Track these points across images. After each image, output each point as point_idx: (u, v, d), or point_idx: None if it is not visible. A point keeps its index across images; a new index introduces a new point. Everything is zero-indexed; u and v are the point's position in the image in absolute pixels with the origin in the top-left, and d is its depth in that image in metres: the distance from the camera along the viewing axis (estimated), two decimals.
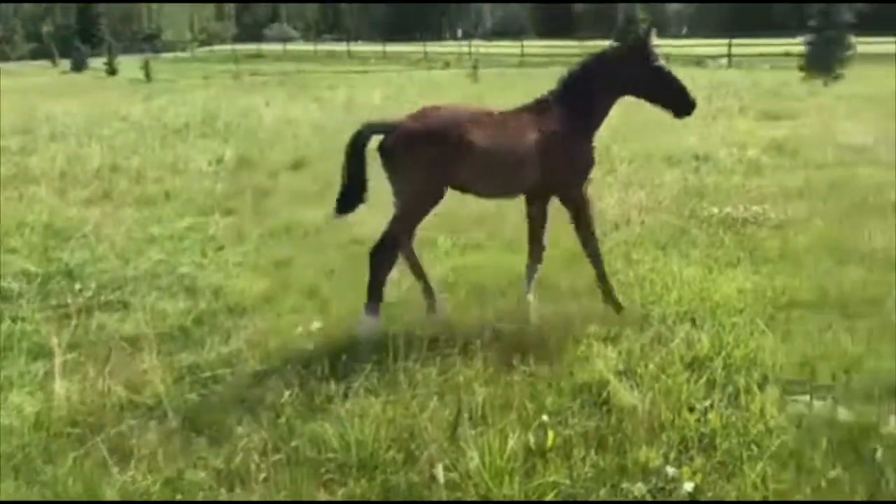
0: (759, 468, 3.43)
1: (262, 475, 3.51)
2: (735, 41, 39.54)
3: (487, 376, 4.30)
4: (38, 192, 9.56)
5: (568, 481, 3.43)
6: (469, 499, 3.37)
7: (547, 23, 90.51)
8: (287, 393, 4.16)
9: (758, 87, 22.60)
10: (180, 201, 9.38)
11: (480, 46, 54.88)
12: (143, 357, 4.63)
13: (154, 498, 3.41)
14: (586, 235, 5.30)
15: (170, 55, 66.38)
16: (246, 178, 10.55)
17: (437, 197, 5.04)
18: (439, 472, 3.44)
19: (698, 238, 7.06)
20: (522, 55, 48.63)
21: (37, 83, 36.43)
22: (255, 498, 3.40)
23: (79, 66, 49.82)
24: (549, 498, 3.35)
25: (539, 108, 5.20)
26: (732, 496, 3.35)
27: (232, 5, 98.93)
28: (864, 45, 31.06)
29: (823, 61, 26.77)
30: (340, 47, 66.32)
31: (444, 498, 3.36)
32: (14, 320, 5.46)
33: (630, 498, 3.35)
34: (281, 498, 3.40)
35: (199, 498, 3.42)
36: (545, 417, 3.80)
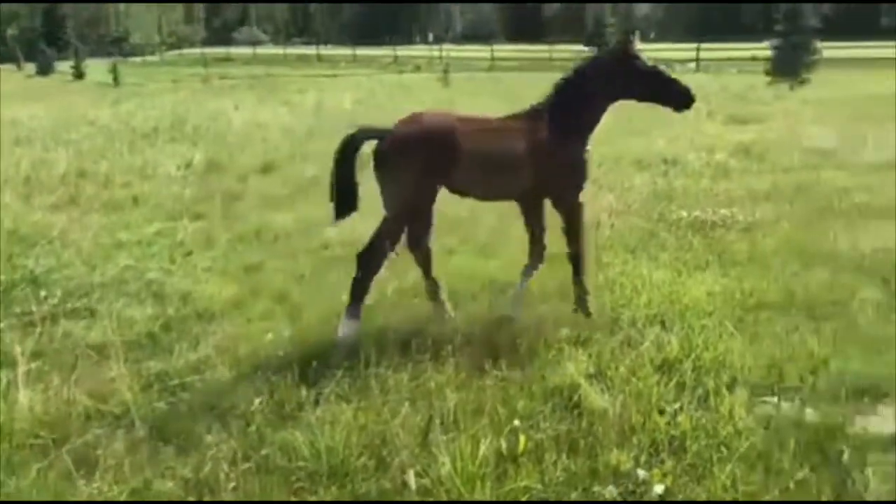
0: (728, 470, 3.46)
1: (232, 484, 3.46)
2: (703, 45, 40.01)
3: (459, 381, 4.29)
4: (1, 198, 9.38)
5: (540, 486, 3.43)
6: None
7: (517, 27, 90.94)
8: (257, 400, 4.12)
9: (725, 91, 22.88)
10: (148, 206, 9.28)
11: (451, 50, 55.01)
12: (109, 365, 4.56)
13: None
14: (574, 241, 5.32)
15: (138, 59, 65.70)
16: (215, 183, 10.45)
17: (429, 201, 5.07)
18: (411, 478, 3.43)
19: (667, 241, 7.11)
20: (493, 59, 48.79)
21: (1, 87, 35.82)
22: None
23: (45, 70, 49.11)
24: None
25: (532, 114, 5.22)
26: (703, 498, 3.37)
27: (201, 8, 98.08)
28: (829, 49, 31.57)
29: (790, 65, 27.19)
30: (310, 51, 66.04)
31: None
32: None
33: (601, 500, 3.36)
34: None
35: None
36: (517, 422, 3.79)
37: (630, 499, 3.38)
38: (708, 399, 4.11)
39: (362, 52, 59.85)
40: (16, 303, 5.83)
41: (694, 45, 40.02)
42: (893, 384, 4.26)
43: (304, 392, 4.20)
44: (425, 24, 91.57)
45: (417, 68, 45.66)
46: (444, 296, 5.38)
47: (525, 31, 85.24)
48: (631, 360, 4.54)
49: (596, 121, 5.26)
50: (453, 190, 5.17)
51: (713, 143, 12.38)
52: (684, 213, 7.96)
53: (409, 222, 5.12)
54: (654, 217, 7.99)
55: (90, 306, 5.79)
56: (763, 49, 31.28)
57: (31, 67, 52.08)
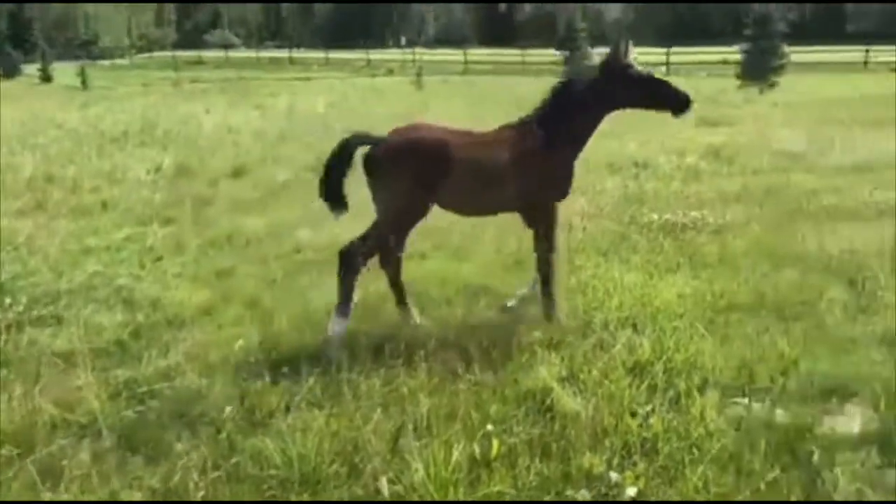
0: (700, 472, 3.48)
1: (202, 493, 3.41)
2: (673, 49, 40.40)
3: (432, 386, 4.27)
4: None
5: (513, 490, 3.42)
6: None
7: (489, 31, 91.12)
8: (228, 407, 4.05)
9: (696, 95, 22.81)
10: (118, 211, 9.16)
11: (424, 54, 55.01)
12: (76, 373, 4.48)
13: None
14: (544, 248, 5.32)
15: (107, 62, 64.83)
16: (185, 187, 10.35)
17: (420, 213, 5.12)
18: (383, 484, 3.41)
19: (639, 244, 7.15)
20: (466, 63, 48.88)
21: None
22: None
23: (11, 73, 48.38)
24: None
25: (522, 127, 5.21)
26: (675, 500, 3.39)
27: (172, 11, 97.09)
28: (797, 54, 32.04)
29: (759, 69, 27.58)
30: (283, 54, 65.71)
31: None
32: None
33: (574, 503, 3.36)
34: None
35: None
36: (490, 427, 3.78)
37: (603, 501, 3.39)
38: (679, 401, 4.13)
39: (335, 55, 59.65)
40: None
41: (664, 50, 40.41)
42: (860, 384, 4.31)
43: (275, 399, 4.16)
44: (398, 27, 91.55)
45: (391, 72, 45.62)
46: (410, 301, 5.37)
47: (497, 35, 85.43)
48: (603, 362, 4.55)
49: (590, 131, 5.26)
50: (445, 205, 5.19)
51: (684, 146, 12.49)
52: (655, 216, 8.01)
53: (398, 233, 5.15)
54: (626, 220, 8.03)
55: (57, 313, 5.69)
56: (733, 53, 31.67)
57: None
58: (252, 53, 69.72)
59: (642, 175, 10.60)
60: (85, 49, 70.48)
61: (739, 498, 3.37)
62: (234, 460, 3.65)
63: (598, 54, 26.74)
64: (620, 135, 12.68)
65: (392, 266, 5.29)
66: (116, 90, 32.84)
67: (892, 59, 38.61)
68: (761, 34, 28.49)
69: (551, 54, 36.66)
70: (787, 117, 17.00)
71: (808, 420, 3.96)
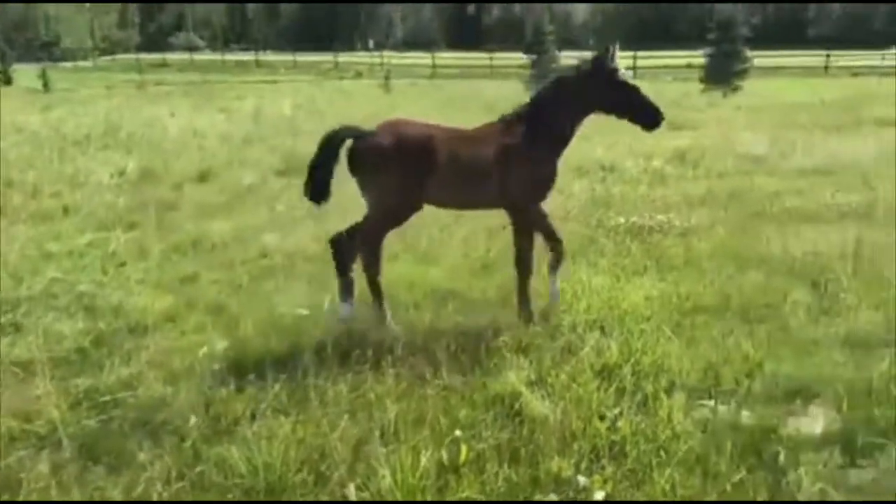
0: (667, 474, 3.49)
1: None
2: (640, 53, 40.77)
3: (400, 392, 4.24)
4: None
5: (481, 496, 3.41)
6: None
7: (457, 34, 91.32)
8: (192, 416, 4.00)
9: (661, 99, 23.14)
10: (80, 216, 8.99)
11: (392, 57, 54.88)
12: (35, 382, 4.38)
13: None
14: (523, 248, 5.35)
15: (69, 64, 63.79)
16: (149, 191, 10.18)
17: (410, 207, 5.19)
18: (351, 492, 3.37)
19: (606, 247, 7.19)
20: (434, 66, 48.89)
21: None
22: None
23: None
24: None
25: (506, 125, 5.25)
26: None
27: (135, 13, 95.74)
28: (759, 58, 32.51)
29: (722, 74, 27.92)
30: (249, 57, 65.19)
31: None
32: None
33: None
34: None
35: None
36: (458, 432, 3.77)
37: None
38: (647, 403, 4.16)
39: (302, 58, 59.31)
40: None
41: (631, 54, 40.75)
42: (823, 385, 4.36)
43: (240, 406, 4.11)
44: (366, 30, 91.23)
45: (359, 74, 45.48)
46: (385, 303, 5.35)
47: (465, 38, 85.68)
48: (571, 366, 4.56)
49: (571, 132, 5.31)
50: (429, 199, 5.21)
51: (650, 149, 12.59)
52: (622, 219, 8.07)
53: (387, 227, 5.25)
54: (593, 223, 8.07)
55: (16, 321, 5.56)
56: (697, 57, 32.03)
57: None
58: (217, 56, 69.05)
59: (609, 178, 10.68)
60: (46, 51, 69.26)
61: (707, 497, 3.39)
62: (198, 469, 3.60)
63: (567, 58, 26.93)
64: (588, 138, 12.76)
65: (374, 265, 5.29)
66: (79, 92, 32.29)
67: (852, 63, 39.47)
68: (725, 38, 28.85)
69: (519, 58, 36.75)
70: (750, 121, 17.24)
71: (772, 421, 4.01)
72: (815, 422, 4.06)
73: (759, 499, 3.41)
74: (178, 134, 16.10)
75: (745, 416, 4.07)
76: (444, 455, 3.61)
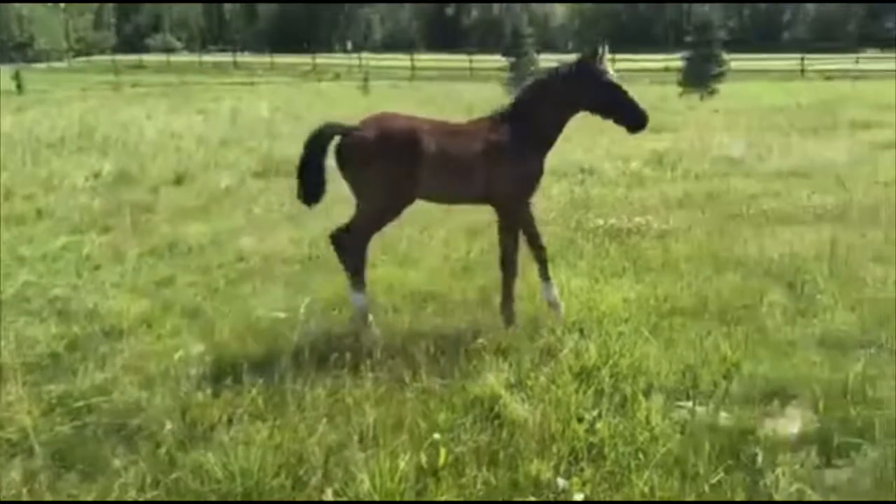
0: (646, 476, 3.49)
1: None
2: (618, 56, 40.98)
3: (378, 396, 4.22)
4: None
5: (460, 500, 3.39)
6: None
7: (436, 36, 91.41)
8: (167, 421, 3.94)
9: (640, 101, 23.38)
10: (54, 219, 8.88)
11: (371, 59, 54.77)
12: (7, 388, 4.31)
13: None
14: (508, 245, 5.37)
15: (43, 65, 63.07)
16: (125, 194, 10.08)
17: (402, 201, 5.15)
18: (329, 497, 3.34)
19: (585, 249, 7.20)
20: (413, 68, 48.86)
21: None
22: None
23: None
24: None
25: (494, 122, 5.26)
26: None
27: (111, 14, 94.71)
28: (736, 61, 32.80)
29: (699, 77, 28.11)
30: (226, 58, 64.78)
31: None
32: None
33: None
34: None
35: None
36: (437, 435, 3.74)
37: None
38: (625, 405, 4.16)
39: (280, 59, 59.07)
40: None
41: (609, 56, 40.86)
42: (800, 386, 4.39)
43: (216, 411, 4.07)
44: (344, 32, 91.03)
45: (337, 76, 45.35)
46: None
47: (444, 40, 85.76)
48: (551, 368, 4.56)
49: (557, 131, 5.34)
50: (418, 194, 5.20)
51: (628, 152, 12.65)
52: (601, 221, 8.09)
53: (379, 223, 5.22)
54: (572, 225, 8.08)
55: None
56: (675, 60, 32.24)
57: None
58: (195, 58, 68.58)
59: (588, 181, 10.72)
60: (20, 52, 68.49)
61: (685, 499, 3.40)
62: (173, 476, 3.55)
63: (545, 60, 26.97)
64: (567, 140, 12.79)
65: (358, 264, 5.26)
66: (53, 94, 31.92)
67: (826, 67, 39.96)
68: (702, 42, 29.07)
69: (498, 60, 36.80)
70: (727, 124, 17.36)
71: (750, 422, 4.02)
72: (791, 422, 4.09)
73: (737, 499, 3.42)
74: (154, 136, 15.96)
75: (723, 417, 4.08)
76: (423, 459, 3.59)
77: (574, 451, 3.74)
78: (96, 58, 72.43)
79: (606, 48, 5.27)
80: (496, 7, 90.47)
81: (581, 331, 5.16)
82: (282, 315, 5.34)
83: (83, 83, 39.82)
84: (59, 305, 5.94)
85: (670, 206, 9.05)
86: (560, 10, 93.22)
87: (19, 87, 34.23)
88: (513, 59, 32.52)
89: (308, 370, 4.40)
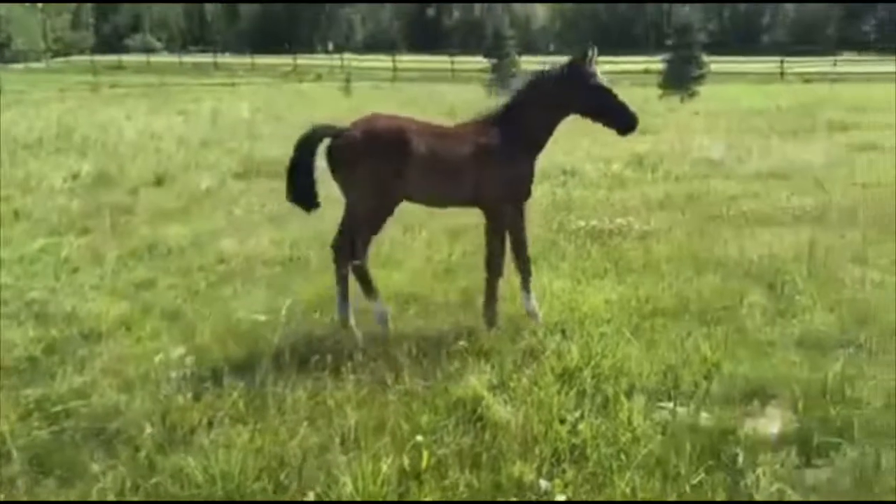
0: (628, 477, 3.50)
1: None
2: (599, 58, 41.10)
3: (360, 398, 4.20)
4: None
5: (443, 502, 3.38)
6: None
7: (417, 37, 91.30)
8: (147, 425, 3.90)
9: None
10: (31, 221, 8.79)
11: (353, 60, 54.61)
12: None
13: None
14: (494, 247, 5.36)
15: (20, 65, 62.37)
16: (104, 196, 10.00)
17: (392, 202, 5.14)
18: (310, 500, 3.32)
19: (567, 250, 7.21)
20: (395, 69, 48.78)
21: None
22: None
23: None
24: None
25: (484, 124, 5.25)
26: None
27: (89, 14, 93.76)
28: (715, 64, 33.02)
29: (680, 79, 28.27)
30: (207, 59, 64.33)
31: None
32: None
33: None
34: None
35: None
36: (420, 438, 3.74)
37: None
38: (607, 406, 4.17)
39: (261, 60, 58.71)
40: None
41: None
42: (780, 386, 4.42)
43: (197, 414, 4.04)
44: (326, 32, 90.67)
45: (318, 77, 45.19)
46: (349, 305, 5.32)
47: (426, 41, 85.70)
48: (533, 370, 4.57)
49: (547, 134, 5.34)
50: (407, 195, 5.19)
51: (610, 154, 12.70)
52: (583, 223, 8.11)
53: (370, 224, 5.19)
54: (554, 227, 8.10)
55: None
56: (655, 62, 32.40)
57: None
58: (175, 58, 68.07)
59: (570, 182, 10.75)
60: None
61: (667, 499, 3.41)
62: (153, 480, 3.52)
63: (527, 62, 27.04)
64: (549, 142, 12.83)
65: (343, 266, 5.27)
66: (31, 95, 31.56)
67: (805, 69, 40.33)
68: (682, 44, 29.24)
69: (480, 61, 36.83)
70: (707, 126, 17.45)
71: (731, 422, 4.05)
72: (772, 422, 4.11)
73: (718, 500, 3.43)
74: (134, 137, 15.84)
75: (704, 417, 4.10)
76: (406, 461, 3.58)
77: (556, 453, 3.75)
78: (75, 58, 71.68)
79: (595, 50, 5.26)
80: (478, 8, 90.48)
81: (563, 332, 5.17)
82: (262, 317, 5.31)
83: (61, 84, 39.37)
84: (37, 308, 5.87)
85: (651, 208, 9.10)
86: (541, 11, 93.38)
87: None
88: (494, 61, 32.56)
89: (289, 372, 4.38)
